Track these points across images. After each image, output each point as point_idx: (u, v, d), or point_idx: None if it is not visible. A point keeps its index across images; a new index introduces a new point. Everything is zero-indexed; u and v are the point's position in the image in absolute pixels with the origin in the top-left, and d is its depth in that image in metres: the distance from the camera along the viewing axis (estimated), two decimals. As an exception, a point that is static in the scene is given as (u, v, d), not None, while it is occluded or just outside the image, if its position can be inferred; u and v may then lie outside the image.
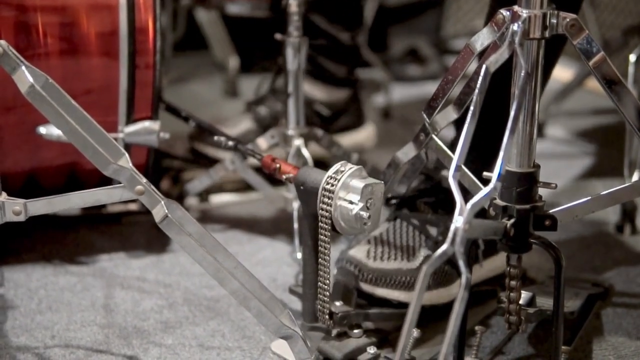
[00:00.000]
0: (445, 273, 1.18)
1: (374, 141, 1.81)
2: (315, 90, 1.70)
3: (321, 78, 1.71)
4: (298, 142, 1.42)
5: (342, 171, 1.05)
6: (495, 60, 0.93)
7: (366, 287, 1.16)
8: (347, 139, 1.72)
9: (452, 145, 1.05)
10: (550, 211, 0.99)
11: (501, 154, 0.89)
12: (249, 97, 1.79)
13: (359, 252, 1.18)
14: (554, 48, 1.19)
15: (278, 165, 1.14)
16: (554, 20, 0.94)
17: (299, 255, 1.34)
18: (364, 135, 1.78)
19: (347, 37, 1.71)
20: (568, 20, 0.94)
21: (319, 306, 1.09)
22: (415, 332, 1.05)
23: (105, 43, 1.27)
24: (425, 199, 1.25)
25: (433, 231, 1.21)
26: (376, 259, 1.17)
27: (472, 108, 0.92)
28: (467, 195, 0.89)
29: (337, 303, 1.12)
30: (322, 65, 1.70)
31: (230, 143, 1.38)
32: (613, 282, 1.31)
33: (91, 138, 0.98)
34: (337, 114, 1.72)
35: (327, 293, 1.08)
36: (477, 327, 1.08)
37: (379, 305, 1.16)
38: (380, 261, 1.17)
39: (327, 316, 1.09)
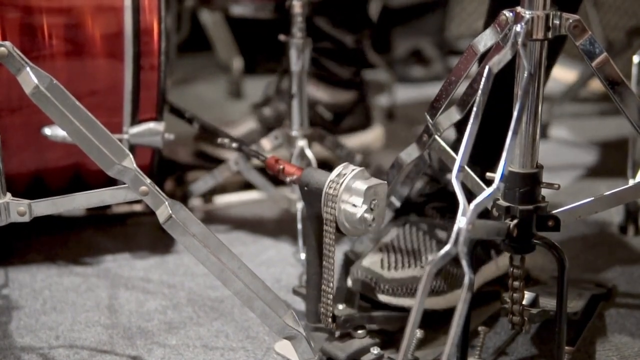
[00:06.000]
0: (456, 276, 1.18)
1: (381, 142, 1.81)
2: (318, 92, 1.70)
3: (325, 80, 1.70)
4: (302, 143, 1.43)
5: (344, 174, 1.05)
6: (498, 61, 0.94)
7: (384, 298, 1.15)
8: (354, 140, 1.72)
9: (454, 147, 1.05)
10: (554, 212, 0.99)
11: (504, 154, 0.89)
12: (254, 98, 1.79)
13: (372, 263, 1.18)
14: (554, 48, 1.19)
15: (282, 167, 1.14)
16: (556, 21, 0.94)
17: (303, 256, 1.34)
18: (371, 136, 1.77)
19: (351, 40, 1.70)
20: (571, 21, 0.94)
21: (322, 309, 1.09)
22: (419, 333, 1.06)
23: (110, 44, 1.28)
24: (433, 204, 1.24)
25: (443, 235, 1.21)
26: (390, 268, 1.17)
27: (475, 109, 0.92)
28: (470, 196, 0.89)
29: (340, 306, 1.12)
30: (326, 67, 1.70)
31: (234, 144, 1.39)
32: (616, 282, 1.31)
33: (95, 139, 0.98)
34: (341, 115, 1.72)
35: (331, 296, 1.08)
36: (480, 328, 1.08)
37: (383, 308, 1.16)
38: (395, 270, 1.17)
39: (330, 319, 1.09)
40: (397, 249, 1.20)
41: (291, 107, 1.43)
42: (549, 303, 1.09)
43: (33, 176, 1.34)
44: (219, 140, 1.41)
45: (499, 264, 1.24)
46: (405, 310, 1.14)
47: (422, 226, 1.22)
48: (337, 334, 1.11)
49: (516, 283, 1.03)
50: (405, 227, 1.24)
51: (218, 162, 1.62)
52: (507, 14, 0.95)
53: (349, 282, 1.18)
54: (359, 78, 1.76)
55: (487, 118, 0.93)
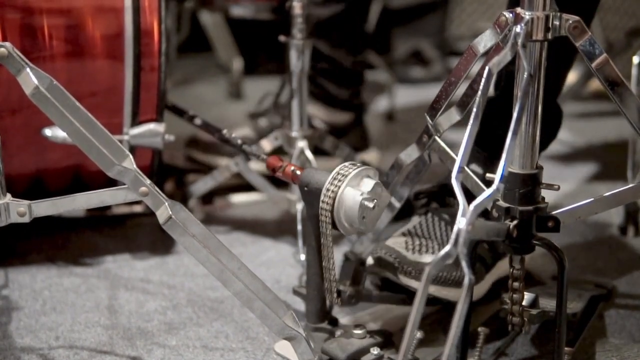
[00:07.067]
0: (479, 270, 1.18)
1: (375, 165, 1.78)
2: (315, 110, 1.69)
3: (322, 99, 1.71)
4: (302, 144, 1.43)
5: (359, 165, 1.06)
6: (498, 62, 0.94)
7: (404, 279, 1.14)
8: None
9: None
10: (553, 212, 0.99)
11: (504, 155, 0.89)
12: (254, 99, 1.79)
13: (396, 244, 1.17)
14: (567, 51, 1.18)
15: (282, 167, 1.14)
16: (556, 22, 0.94)
17: (303, 256, 1.34)
18: (363, 158, 1.76)
19: (349, 62, 1.71)
20: (571, 22, 0.94)
21: (326, 286, 1.09)
22: (419, 334, 1.06)
23: (111, 45, 1.28)
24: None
25: None
26: (415, 251, 1.16)
27: (474, 110, 0.92)
28: (470, 196, 0.89)
29: (345, 284, 1.12)
30: (323, 87, 1.70)
31: (235, 143, 1.39)
32: (616, 283, 1.31)
33: (95, 139, 0.98)
34: (336, 136, 1.71)
35: (334, 272, 1.08)
36: (480, 329, 1.08)
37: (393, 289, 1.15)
38: (419, 254, 1.16)
39: (335, 295, 1.09)
40: (421, 235, 1.20)
41: (291, 108, 1.43)
42: (548, 304, 1.09)
43: (33, 177, 1.34)
44: (219, 135, 1.40)
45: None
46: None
47: (444, 215, 1.22)
48: (337, 334, 1.11)
49: (516, 284, 1.03)
50: (427, 216, 1.23)
51: (208, 167, 1.63)
52: (507, 14, 0.95)
53: (370, 260, 1.17)
54: (357, 100, 1.75)
55: (489, 118, 0.93)
